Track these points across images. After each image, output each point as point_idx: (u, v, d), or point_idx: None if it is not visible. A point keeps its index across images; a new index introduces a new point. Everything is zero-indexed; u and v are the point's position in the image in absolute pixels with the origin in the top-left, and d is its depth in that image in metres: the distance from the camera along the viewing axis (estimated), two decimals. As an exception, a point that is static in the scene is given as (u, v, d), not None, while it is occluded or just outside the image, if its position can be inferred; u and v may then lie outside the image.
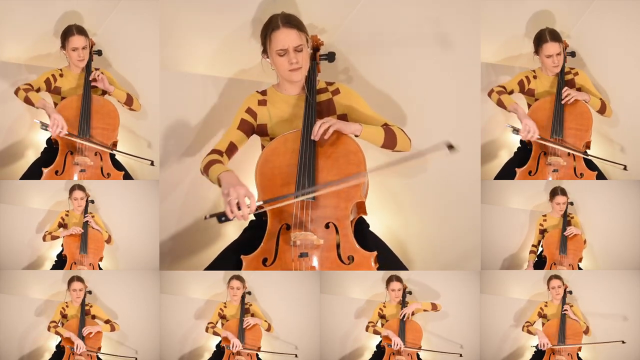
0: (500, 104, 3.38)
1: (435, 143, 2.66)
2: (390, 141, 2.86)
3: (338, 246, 2.72)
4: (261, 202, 2.68)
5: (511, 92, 3.44)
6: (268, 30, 2.87)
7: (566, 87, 3.38)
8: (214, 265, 2.92)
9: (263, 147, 3.01)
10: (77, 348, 3.31)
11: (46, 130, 3.28)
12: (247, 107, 2.97)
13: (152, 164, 3.39)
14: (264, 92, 3.01)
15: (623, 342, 3.35)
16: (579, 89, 3.41)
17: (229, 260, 2.86)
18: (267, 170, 2.80)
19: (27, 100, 3.30)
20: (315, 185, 2.73)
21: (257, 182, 2.80)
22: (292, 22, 2.86)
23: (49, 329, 3.36)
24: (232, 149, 2.91)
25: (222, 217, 2.60)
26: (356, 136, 2.82)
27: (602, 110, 3.39)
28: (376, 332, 3.40)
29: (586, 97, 3.37)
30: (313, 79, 2.95)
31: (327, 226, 2.72)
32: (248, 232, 3.00)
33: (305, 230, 2.71)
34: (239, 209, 2.59)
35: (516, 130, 3.32)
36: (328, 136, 2.76)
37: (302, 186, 2.72)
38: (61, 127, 3.26)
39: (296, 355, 3.41)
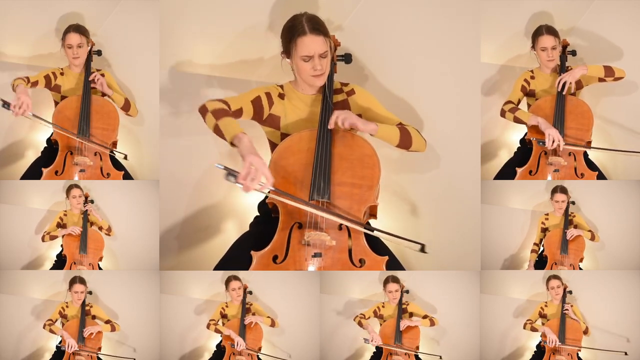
0: (518, 121, 3.37)
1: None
2: (405, 141, 2.85)
3: (350, 249, 2.71)
4: (272, 189, 2.57)
5: (519, 103, 3.43)
6: (294, 34, 2.79)
7: (561, 76, 3.36)
8: (225, 262, 2.87)
9: (270, 141, 2.99)
10: (68, 347, 3.31)
11: (8, 109, 3.13)
12: (268, 91, 2.91)
13: (125, 157, 3.42)
14: (281, 87, 2.98)
15: (626, 353, 3.36)
16: (579, 86, 3.40)
17: (239, 256, 2.80)
18: (281, 169, 2.76)
19: (13, 87, 3.24)
20: (329, 186, 2.71)
21: None
22: (318, 27, 2.79)
23: (44, 327, 3.37)
24: (237, 114, 2.79)
25: (231, 177, 2.48)
26: (372, 135, 2.81)
27: (609, 73, 3.31)
28: (360, 325, 3.40)
29: (584, 70, 3.31)
30: (331, 79, 2.92)
31: (340, 228, 2.71)
32: (256, 227, 2.98)
33: (319, 230, 2.70)
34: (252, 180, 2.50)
35: (542, 142, 3.31)
36: (347, 125, 2.74)
37: (317, 186, 2.70)
38: (25, 108, 3.13)
39: (290, 356, 3.42)
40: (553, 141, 3.29)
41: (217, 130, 2.66)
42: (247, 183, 2.48)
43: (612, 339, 3.40)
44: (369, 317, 3.43)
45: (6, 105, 3.13)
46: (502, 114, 3.40)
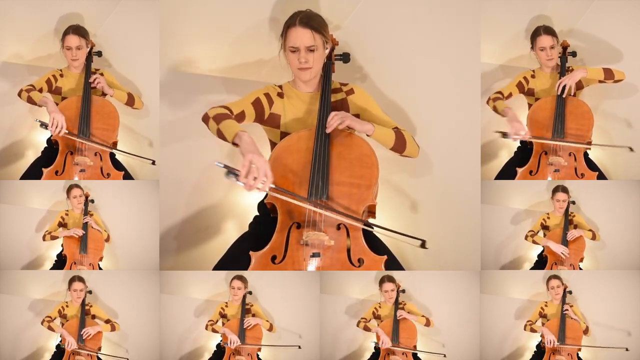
0: (495, 110, 3.39)
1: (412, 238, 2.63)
2: (400, 145, 2.87)
3: (349, 249, 2.71)
4: (273, 187, 2.58)
5: (509, 96, 3.43)
6: (285, 26, 2.87)
7: (561, 79, 3.36)
8: (225, 262, 2.88)
9: (270, 140, 3.00)
10: (68, 345, 3.31)
11: (46, 129, 3.28)
12: (267, 92, 2.93)
13: (153, 163, 3.40)
14: (280, 87, 3.00)
15: (627, 349, 3.36)
16: (579, 87, 3.40)
17: (237, 256, 2.81)
18: (279, 168, 2.75)
19: (30, 100, 3.31)
20: (327, 185, 2.71)
21: None
22: (310, 22, 2.83)
23: (42, 323, 3.37)
24: (240, 118, 2.82)
25: (232, 175, 2.48)
26: (368, 136, 2.81)
27: (608, 76, 3.32)
28: (366, 329, 3.40)
29: (583, 73, 3.32)
30: (328, 78, 2.93)
31: (338, 227, 2.71)
32: (255, 227, 2.98)
33: (317, 230, 2.70)
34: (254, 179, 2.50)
35: (504, 134, 3.30)
36: (343, 126, 2.76)
37: (316, 186, 2.70)
38: (60, 127, 3.26)
39: (299, 347, 3.41)
40: (516, 133, 3.27)
41: (220, 134, 2.67)
42: (249, 182, 2.49)
43: (612, 338, 3.40)
44: (370, 320, 3.43)
45: (44, 125, 3.26)
46: (487, 101, 3.42)
